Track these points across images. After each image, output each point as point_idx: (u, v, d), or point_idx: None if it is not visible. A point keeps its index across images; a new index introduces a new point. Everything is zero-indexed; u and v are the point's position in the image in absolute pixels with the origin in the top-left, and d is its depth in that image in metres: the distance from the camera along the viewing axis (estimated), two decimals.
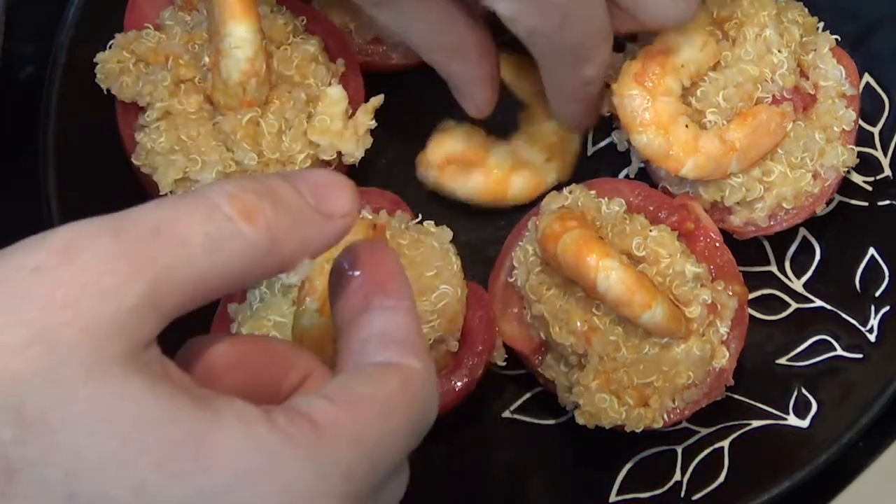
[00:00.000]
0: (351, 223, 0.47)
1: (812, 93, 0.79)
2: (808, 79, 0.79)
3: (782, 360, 0.80)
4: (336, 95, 0.78)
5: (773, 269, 0.83)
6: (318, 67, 0.79)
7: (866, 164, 0.82)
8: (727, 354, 0.75)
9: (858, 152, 0.80)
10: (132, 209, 0.43)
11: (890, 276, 0.79)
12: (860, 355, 0.77)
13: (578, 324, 0.74)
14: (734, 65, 0.78)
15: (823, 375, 0.78)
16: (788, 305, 0.81)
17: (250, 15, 0.72)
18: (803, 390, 0.77)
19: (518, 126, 0.85)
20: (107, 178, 0.78)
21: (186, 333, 0.48)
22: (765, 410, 0.77)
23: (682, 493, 0.74)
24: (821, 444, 0.73)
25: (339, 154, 0.78)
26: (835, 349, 0.79)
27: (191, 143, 0.75)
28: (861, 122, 0.82)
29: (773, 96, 0.78)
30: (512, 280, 0.79)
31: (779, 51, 0.77)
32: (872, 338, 0.78)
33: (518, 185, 0.82)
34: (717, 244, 0.77)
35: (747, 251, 0.81)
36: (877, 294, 0.79)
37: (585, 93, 0.75)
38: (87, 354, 0.40)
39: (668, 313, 0.72)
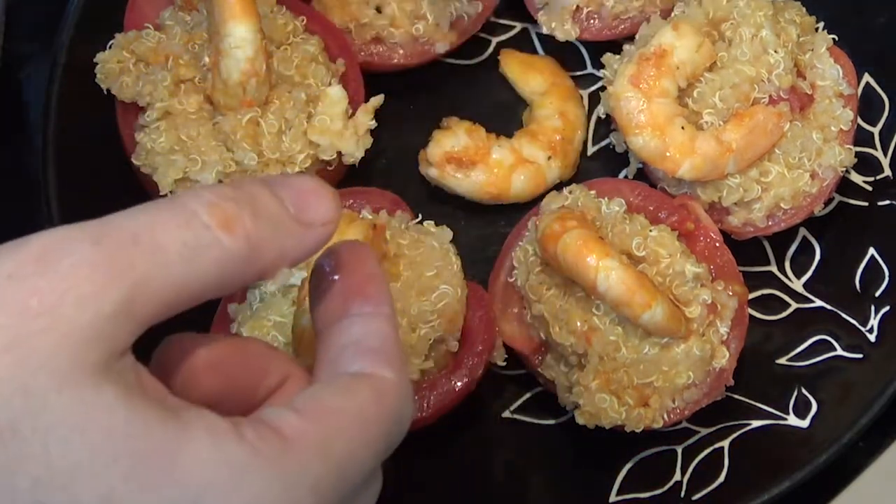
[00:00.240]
0: (332, 231, 0.47)
1: (809, 92, 0.79)
2: (805, 78, 0.79)
3: (782, 360, 0.80)
4: (336, 95, 0.78)
5: (773, 269, 0.83)
6: (318, 67, 0.79)
7: (866, 164, 0.82)
8: (727, 354, 0.75)
9: (858, 152, 0.80)
10: (112, 215, 0.43)
11: (890, 276, 0.79)
12: (860, 355, 0.77)
13: (578, 324, 0.74)
14: (730, 65, 0.78)
15: (823, 375, 0.78)
16: (788, 305, 0.81)
17: (250, 15, 0.72)
18: (803, 390, 0.77)
19: (520, 124, 0.86)
20: (107, 178, 0.78)
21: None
22: (765, 410, 0.77)
23: (682, 493, 0.74)
24: (821, 444, 0.73)
25: (339, 154, 0.78)
26: (835, 349, 0.79)
27: (191, 143, 0.75)
28: (861, 121, 0.82)
29: (770, 96, 0.78)
30: (512, 280, 0.79)
31: (775, 51, 0.77)
32: (872, 338, 0.78)
33: (520, 183, 0.82)
34: (717, 244, 0.77)
35: (747, 251, 0.81)
36: (877, 294, 0.79)
37: None
38: (62, 362, 0.40)
39: (668, 313, 0.72)
